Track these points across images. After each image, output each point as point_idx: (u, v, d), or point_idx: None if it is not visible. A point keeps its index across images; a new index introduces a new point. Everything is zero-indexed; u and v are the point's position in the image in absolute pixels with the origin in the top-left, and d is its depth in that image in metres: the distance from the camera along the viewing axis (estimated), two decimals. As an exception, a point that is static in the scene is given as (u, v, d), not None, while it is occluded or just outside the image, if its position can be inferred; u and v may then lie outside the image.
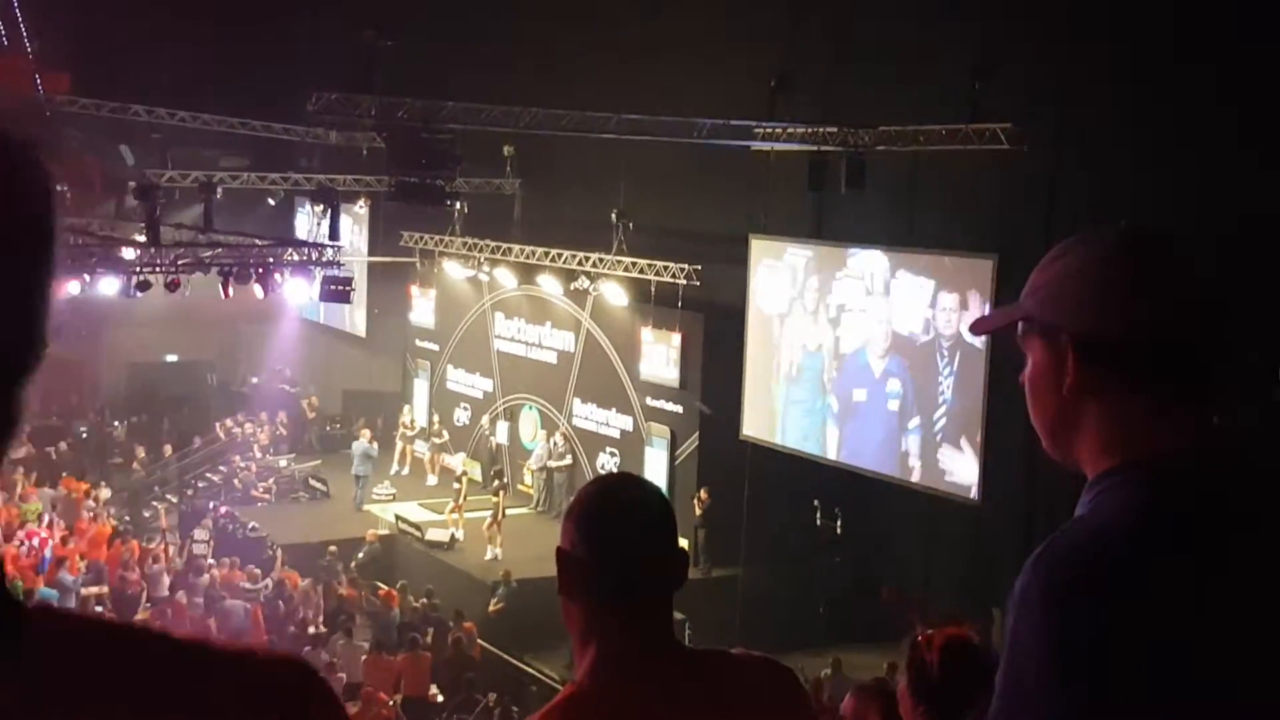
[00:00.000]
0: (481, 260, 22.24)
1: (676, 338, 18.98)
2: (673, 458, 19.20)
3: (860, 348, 17.04)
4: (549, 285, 21.16)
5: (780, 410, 18.21)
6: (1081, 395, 1.47)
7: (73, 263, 18.04)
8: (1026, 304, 1.54)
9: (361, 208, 24.92)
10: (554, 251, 20.62)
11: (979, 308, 15.14)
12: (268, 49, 22.29)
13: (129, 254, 18.65)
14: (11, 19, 25.32)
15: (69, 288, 19.04)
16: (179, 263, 18.30)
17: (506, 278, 22.04)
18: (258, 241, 19.86)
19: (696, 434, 18.93)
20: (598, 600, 1.97)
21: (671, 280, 18.68)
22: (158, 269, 18.19)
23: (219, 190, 20.78)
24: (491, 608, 17.58)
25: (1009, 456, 14.72)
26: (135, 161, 21.78)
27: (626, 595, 1.97)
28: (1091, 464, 1.48)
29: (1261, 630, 1.35)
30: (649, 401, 19.67)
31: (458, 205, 21.91)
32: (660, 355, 19.29)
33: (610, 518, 1.98)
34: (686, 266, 18.40)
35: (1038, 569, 1.38)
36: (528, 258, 21.21)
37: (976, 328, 1.67)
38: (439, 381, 24.69)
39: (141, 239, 18.91)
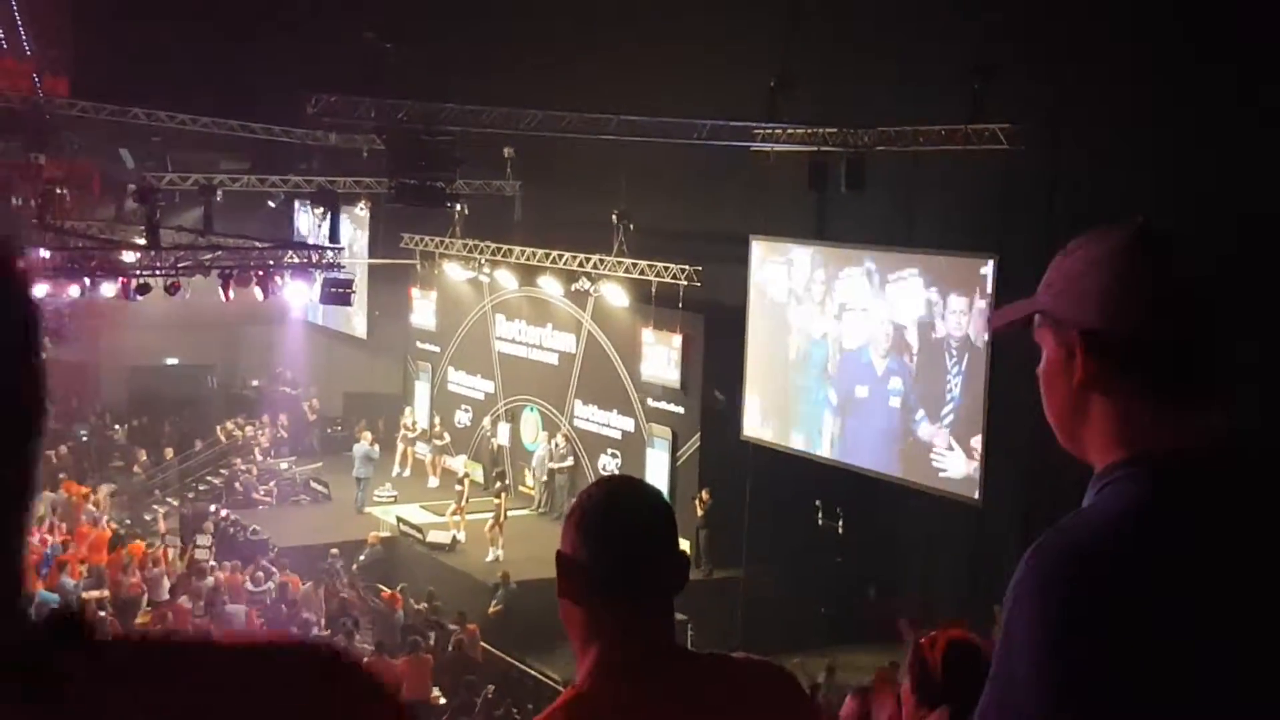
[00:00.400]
0: (482, 262, 22.24)
1: (677, 339, 18.97)
2: (674, 459, 19.19)
3: (863, 345, 17.03)
4: (550, 286, 21.16)
5: (784, 402, 18.21)
6: (1090, 390, 1.49)
7: (73, 266, 18.07)
8: (1041, 298, 1.56)
9: (362, 210, 24.93)
10: (554, 253, 20.61)
11: (980, 309, 15.13)
12: (268, 51, 22.30)
13: (129, 257, 18.65)
14: (11, 23, 25.33)
15: (70, 291, 19.08)
16: (179, 265, 18.30)
17: (507, 279, 22.04)
18: (258, 244, 19.86)
19: (698, 435, 18.92)
20: (598, 603, 1.97)
21: (672, 281, 18.67)
22: (158, 272, 18.18)
23: (219, 193, 20.79)
24: (490, 610, 17.57)
25: (1010, 457, 14.71)
26: (135, 164, 21.79)
27: (627, 598, 1.96)
28: (1098, 458, 1.50)
29: (1259, 631, 1.35)
30: (650, 402, 19.67)
31: (458, 207, 21.93)
32: (661, 356, 19.28)
33: (610, 521, 1.98)
34: (687, 267, 18.39)
35: (1034, 561, 1.39)
36: (528, 259, 21.20)
37: (995, 320, 1.69)
38: (440, 383, 24.69)
39: (141, 242, 18.91)
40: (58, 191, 21.07)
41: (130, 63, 22.90)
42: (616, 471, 19.72)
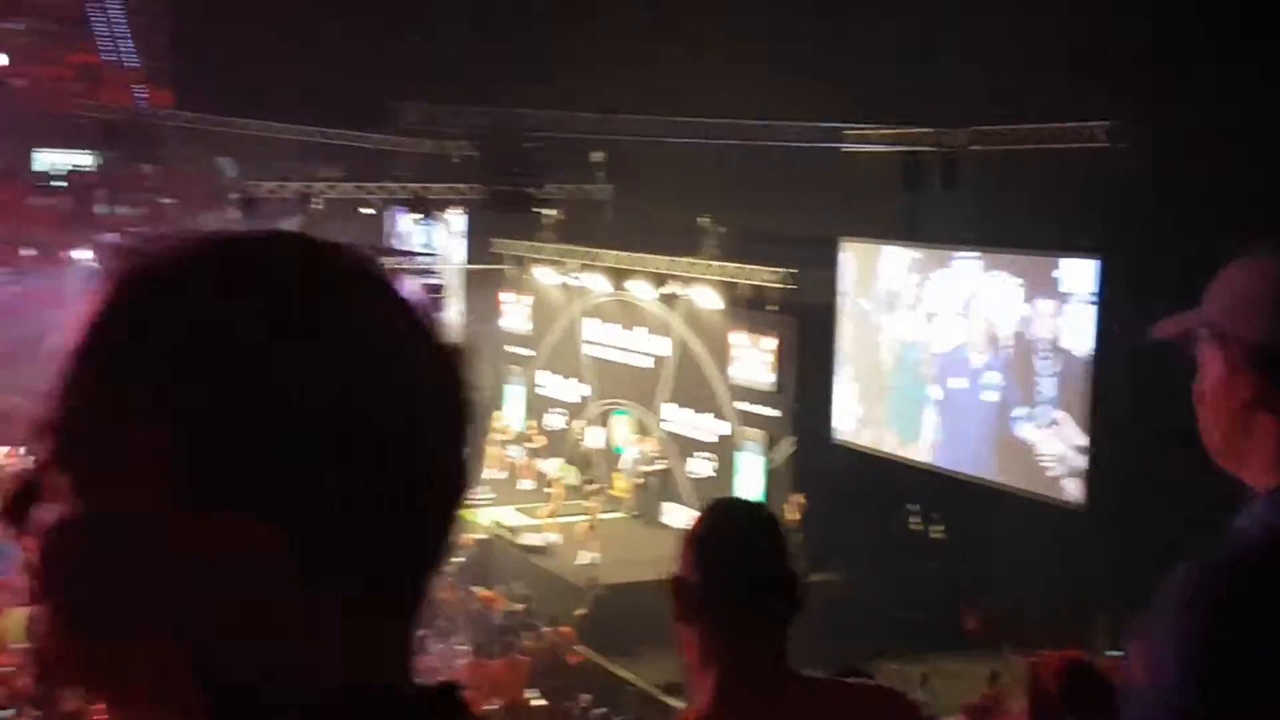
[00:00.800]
0: (573, 266, 22.35)
1: (769, 341, 18.88)
2: (768, 462, 19.09)
3: (957, 346, 16.81)
4: (640, 290, 21.20)
5: (877, 404, 18.04)
6: (1255, 408, 1.45)
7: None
8: (1207, 311, 1.51)
9: (455, 215, 25.21)
10: (645, 256, 20.65)
11: (1080, 311, 14.85)
12: (362, 60, 22.67)
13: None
14: (116, 37, 26.09)
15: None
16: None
17: (598, 283, 22.12)
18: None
19: (791, 438, 18.79)
20: (712, 627, 1.98)
21: (763, 284, 18.60)
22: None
23: (316, 201, 21.17)
24: (577, 612, 17.60)
25: (1112, 460, 14.39)
26: (235, 173, 22.29)
27: (742, 622, 1.97)
28: (1259, 477, 1.45)
29: None
30: (743, 405, 19.58)
31: (549, 212, 22.08)
32: (753, 359, 19.21)
33: (723, 544, 2.00)
34: (778, 270, 18.31)
35: (1192, 573, 1.38)
36: (619, 263, 21.26)
37: (1159, 331, 1.65)
38: (531, 387, 24.86)
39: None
40: (162, 201, 21.61)
41: (231, 74, 23.44)
42: (712, 474, 19.76)
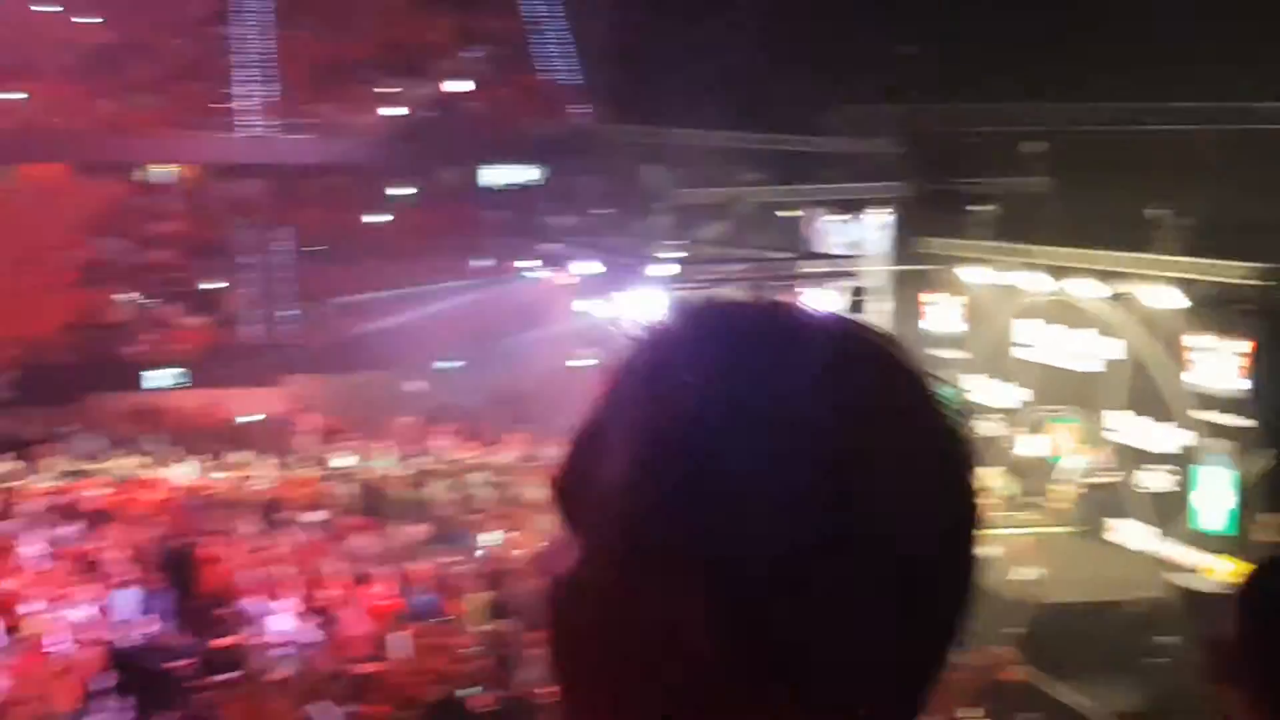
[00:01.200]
0: (1007, 263, 21.28)
1: (1237, 343, 17.05)
2: (1238, 477, 17.17)
3: None
4: (1085, 289, 19.84)
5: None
6: None
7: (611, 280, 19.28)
8: None
9: (882, 215, 24.69)
10: (1090, 252, 19.30)
11: None
12: (789, 64, 22.67)
13: (662, 270, 19.56)
14: (557, 56, 27.59)
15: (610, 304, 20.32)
16: (705, 278, 18.97)
17: (1035, 281, 20.93)
18: (778, 255, 20.21)
19: (1269, 450, 16.77)
20: (1254, 697, 1.72)
21: (1228, 281, 16.88)
22: (687, 284, 18.96)
23: (743, 206, 21.37)
24: (1017, 630, 16.63)
25: None
26: (665, 181, 22.89)
27: None
28: None
29: None
30: (1204, 414, 17.77)
31: (983, 208, 21.23)
32: (1218, 363, 17.42)
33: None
34: (1247, 264, 16.51)
35: None
36: (1060, 260, 20.01)
37: None
38: (958, 391, 23.81)
39: (674, 255, 19.81)
40: (598, 211, 22.56)
41: (661, 87, 24.17)
42: (1170, 488, 18.35)
